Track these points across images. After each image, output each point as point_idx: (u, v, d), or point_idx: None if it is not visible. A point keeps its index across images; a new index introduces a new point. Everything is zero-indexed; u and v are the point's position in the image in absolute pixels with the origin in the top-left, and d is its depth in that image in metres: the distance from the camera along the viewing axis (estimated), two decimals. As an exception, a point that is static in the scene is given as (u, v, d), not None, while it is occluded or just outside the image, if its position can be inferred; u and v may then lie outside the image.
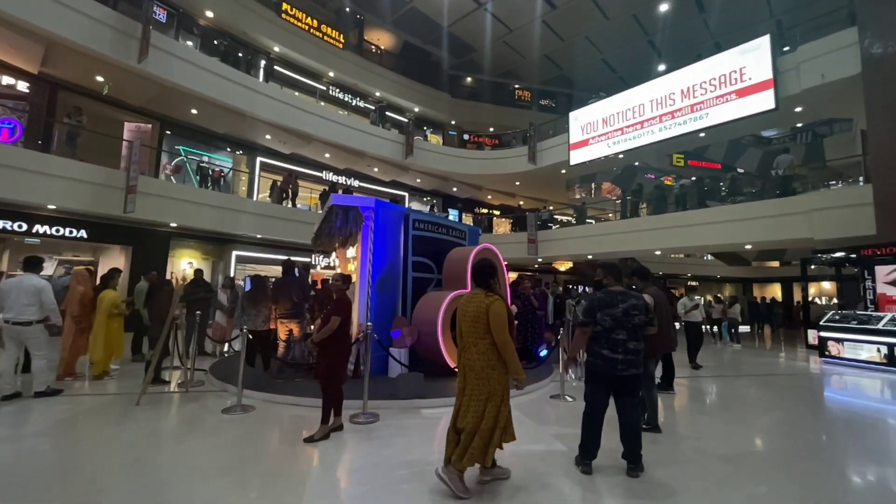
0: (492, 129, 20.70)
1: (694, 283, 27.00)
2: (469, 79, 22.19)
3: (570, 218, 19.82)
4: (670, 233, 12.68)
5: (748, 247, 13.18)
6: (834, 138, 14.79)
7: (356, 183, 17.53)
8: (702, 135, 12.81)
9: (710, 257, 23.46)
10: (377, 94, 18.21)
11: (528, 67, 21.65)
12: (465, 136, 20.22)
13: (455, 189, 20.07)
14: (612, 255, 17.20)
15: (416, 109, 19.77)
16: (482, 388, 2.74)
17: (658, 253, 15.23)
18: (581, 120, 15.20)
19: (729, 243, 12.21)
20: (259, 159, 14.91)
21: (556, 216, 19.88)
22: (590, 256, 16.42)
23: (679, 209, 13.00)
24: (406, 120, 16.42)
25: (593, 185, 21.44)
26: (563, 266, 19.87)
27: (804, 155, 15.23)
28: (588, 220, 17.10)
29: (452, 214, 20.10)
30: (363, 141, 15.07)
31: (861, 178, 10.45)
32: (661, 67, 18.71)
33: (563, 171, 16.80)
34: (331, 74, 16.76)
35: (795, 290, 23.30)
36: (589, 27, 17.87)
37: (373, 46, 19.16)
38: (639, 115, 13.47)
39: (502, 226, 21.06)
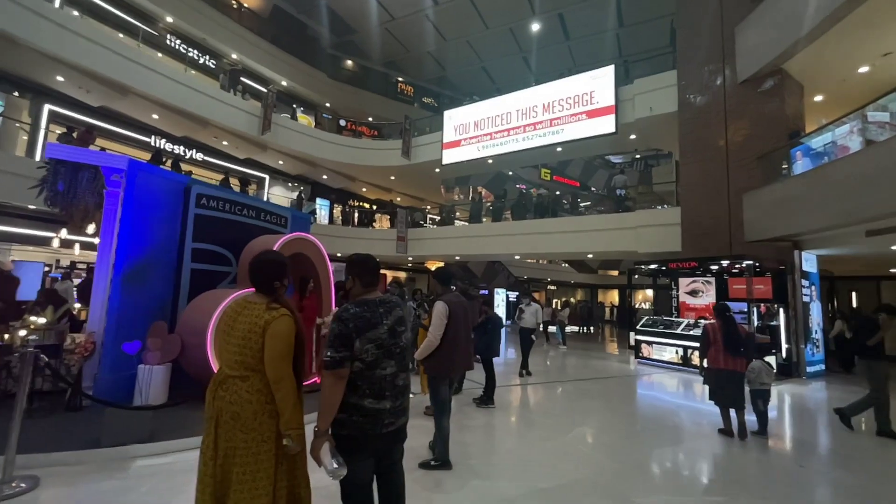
0: (371, 119, 19.60)
1: (552, 287, 29.73)
2: (350, 62, 20.74)
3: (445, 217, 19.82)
4: (529, 239, 13.27)
5: (590, 255, 14.51)
6: (660, 168, 17.38)
7: (199, 156, 14.73)
8: (559, 149, 13.70)
9: (566, 265, 25.98)
10: (233, 55, 15.66)
11: (413, 62, 21.15)
12: (342, 123, 18.73)
13: (325, 177, 18.43)
14: (478, 258, 17.62)
15: (285, 83, 17.64)
16: (255, 449, 1.80)
17: (517, 257, 15.95)
18: (455, 120, 15.11)
19: (576, 251, 13.24)
20: (48, 107, 11.34)
21: (433, 216, 19.71)
22: (457, 258, 16.48)
23: (537, 217, 13.70)
24: (266, 90, 14.33)
25: (471, 189, 21.95)
26: (435, 266, 19.79)
27: (637, 180, 17.59)
28: (463, 222, 17.19)
29: (323, 204, 18.41)
30: (207, 106, 12.59)
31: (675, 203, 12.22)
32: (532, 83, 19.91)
33: (438, 171, 16.58)
34: (169, 20, 13.78)
35: (636, 295, 27.21)
36: (470, 32, 18.04)
37: (233, 0, 16.45)
38: (506, 123, 13.84)
39: (384, 221, 20.08)
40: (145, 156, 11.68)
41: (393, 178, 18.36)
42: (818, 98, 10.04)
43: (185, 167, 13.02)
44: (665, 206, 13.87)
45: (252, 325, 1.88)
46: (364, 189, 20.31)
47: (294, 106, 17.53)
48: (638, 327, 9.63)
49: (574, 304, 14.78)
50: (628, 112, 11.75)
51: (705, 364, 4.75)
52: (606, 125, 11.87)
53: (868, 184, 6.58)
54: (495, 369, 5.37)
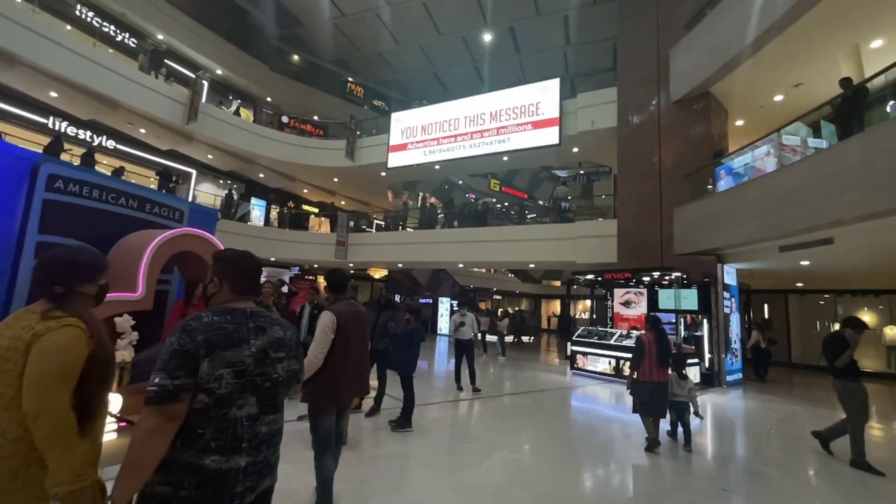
0: (317, 118, 18.69)
1: (498, 297, 29.97)
2: (296, 57, 19.75)
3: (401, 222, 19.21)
4: (473, 247, 13.07)
5: (532, 265, 14.60)
6: (601, 183, 18.03)
7: (111, 143, 13.13)
8: (505, 158, 13.71)
9: (511, 275, 26.26)
10: (159, 36, 14.23)
11: (364, 62, 20.56)
12: (285, 119, 17.68)
13: (262, 176, 17.23)
14: (423, 266, 17.22)
15: (220, 72, 16.36)
16: None
17: (461, 265, 15.73)
18: (402, 123, 14.72)
19: (519, 261, 13.23)
20: None
21: (379, 222, 19.03)
22: (400, 265, 15.96)
23: (481, 226, 13.56)
24: (195, 76, 13.11)
25: (420, 195, 21.58)
26: (378, 273, 19.10)
27: (580, 193, 18.14)
28: (410, 229, 16.71)
29: (258, 205, 17.16)
30: (121, 87, 11.20)
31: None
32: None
33: (384, 174, 16.04)
34: (79, -12, 12.23)
35: (577, 305, 28.01)
36: (423, 36, 17.82)
37: (162, -24, 15.02)
38: (454, 129, 13.66)
39: (323, 225, 19.09)
40: (43, 140, 10.14)
41: (336, 179, 17.55)
42: (739, 122, 10.77)
43: (112, 164, 11.49)
44: (603, 219, 14.35)
45: (13, 339, 1.31)
46: (305, 190, 19.27)
47: (231, 98, 16.29)
48: (574, 338, 9.65)
49: (511, 313, 14.66)
50: (571, 125, 11.98)
51: (635, 376, 4.64)
52: (551, 136, 12.01)
53: (781, 202, 6.98)
54: (417, 387, 4.92)
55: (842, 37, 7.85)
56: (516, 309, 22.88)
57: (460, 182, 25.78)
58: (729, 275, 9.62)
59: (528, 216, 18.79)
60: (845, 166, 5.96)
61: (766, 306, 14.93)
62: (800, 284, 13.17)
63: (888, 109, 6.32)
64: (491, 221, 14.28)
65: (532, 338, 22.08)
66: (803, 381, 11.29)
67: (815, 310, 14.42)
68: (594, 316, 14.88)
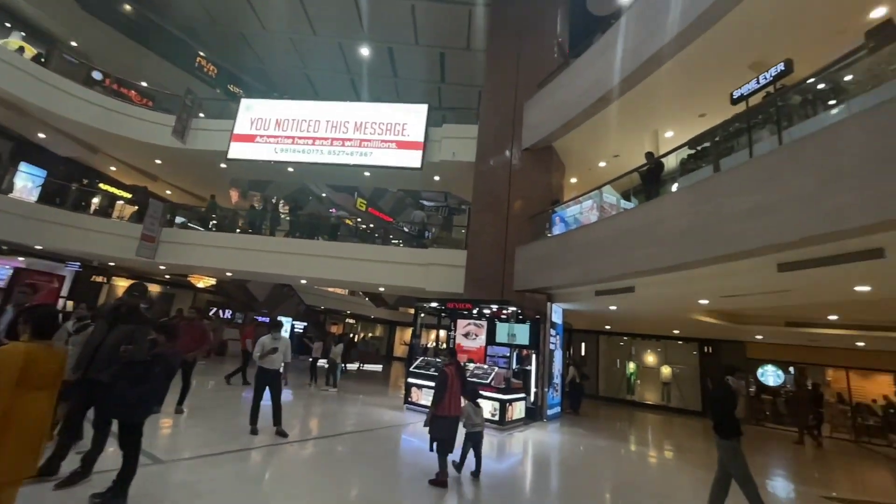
0: (145, 84, 15.19)
1: (351, 321, 28.33)
2: (128, 7, 16.01)
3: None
4: (320, 262, 11.72)
5: (382, 289, 13.87)
6: (460, 216, 18.68)
7: None
8: (367, 174, 12.98)
9: (367, 299, 25.10)
10: None
11: (223, 40, 17.85)
12: (97, 76, 13.84)
13: (44, 136, 12.97)
14: (260, 278, 14.93)
15: (-6, -12, 12.05)
16: None
17: (304, 282, 14.08)
18: (254, 112, 12.85)
19: (369, 282, 12.33)
20: None
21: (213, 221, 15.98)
22: (229, 274, 13.48)
23: (331, 240, 12.36)
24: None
25: (275, 199, 19.16)
26: (203, 282, 15.92)
27: (442, 224, 18.46)
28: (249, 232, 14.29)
29: (34, 174, 12.69)
30: None
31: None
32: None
33: (224, 166, 13.63)
34: None
35: (430, 335, 28.01)
36: (296, 31, 16.35)
37: None
38: (314, 131, 12.43)
39: (126, 210, 15.10)
40: None
41: (159, 161, 14.28)
42: (574, 180, 12.21)
43: None
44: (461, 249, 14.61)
45: None
46: (113, 168, 15.24)
47: (7, 24, 12.06)
48: (411, 369, 9.07)
49: (344, 337, 13.45)
50: (435, 152, 11.98)
51: (436, 412, 4.31)
52: (413, 159, 11.77)
53: (599, 251, 7.72)
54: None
55: (646, 124, 9.50)
56: (351, 334, 21.54)
57: (324, 195, 24.09)
58: (556, 313, 10.41)
59: (393, 241, 18.23)
60: (646, 225, 6.84)
61: (583, 344, 17.02)
62: (608, 327, 15.33)
63: (675, 186, 7.63)
64: (344, 238, 13.19)
65: (381, 366, 21.13)
66: (608, 414, 12.83)
67: (618, 349, 16.99)
68: (443, 346, 14.78)
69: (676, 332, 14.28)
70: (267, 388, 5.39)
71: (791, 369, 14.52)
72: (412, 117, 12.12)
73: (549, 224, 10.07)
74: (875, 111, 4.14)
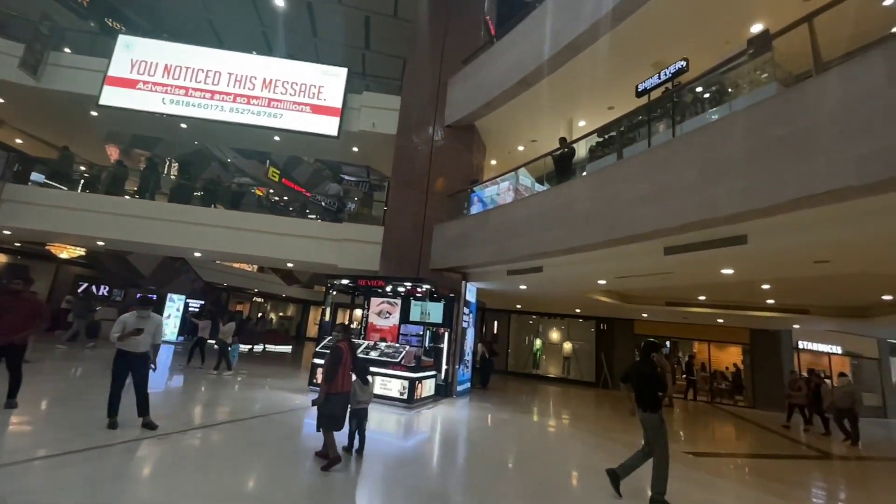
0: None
1: (259, 299, 26.36)
2: None
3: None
4: (219, 233, 10.45)
5: (290, 265, 12.97)
6: (382, 192, 18.08)
7: None
8: (277, 138, 11.83)
9: (278, 277, 23.44)
10: None
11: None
12: None
13: None
14: (142, 249, 13.01)
15: None
16: None
17: (198, 255, 12.58)
18: (135, 52, 10.87)
19: (276, 257, 11.36)
20: None
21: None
22: (101, 243, 11.51)
23: (234, 209, 11.12)
24: None
25: (169, 161, 16.69)
26: (68, 252, 13.41)
27: (361, 200, 17.70)
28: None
29: None
30: None
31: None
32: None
33: (95, 114, 11.42)
34: None
35: (346, 314, 27.08)
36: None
37: None
38: (213, 83, 10.91)
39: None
40: None
41: (2, 101, 11.52)
42: (494, 162, 12.38)
43: None
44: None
45: None
46: (-66, 104, 11.97)
47: None
48: (317, 349, 8.58)
49: (236, 315, 12.28)
50: (354, 121, 11.27)
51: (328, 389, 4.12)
52: (330, 126, 10.96)
53: (512, 232, 7.89)
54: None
55: (562, 111, 9.84)
56: (238, 311, 20.02)
57: (229, 160, 21.71)
58: (471, 292, 10.58)
59: (311, 216, 17.05)
60: (555, 208, 7.11)
61: (496, 323, 17.76)
62: (519, 306, 16.15)
63: (585, 171, 8.03)
64: (249, 208, 11.96)
65: (290, 347, 19.96)
66: (515, 387, 13.57)
67: (527, 327, 18.04)
68: (356, 326, 14.30)
69: (578, 310, 15.51)
70: (128, 373, 4.60)
71: (668, 343, 16.70)
72: (330, 80, 11.22)
73: (467, 203, 10.10)
74: (744, 113, 4.62)
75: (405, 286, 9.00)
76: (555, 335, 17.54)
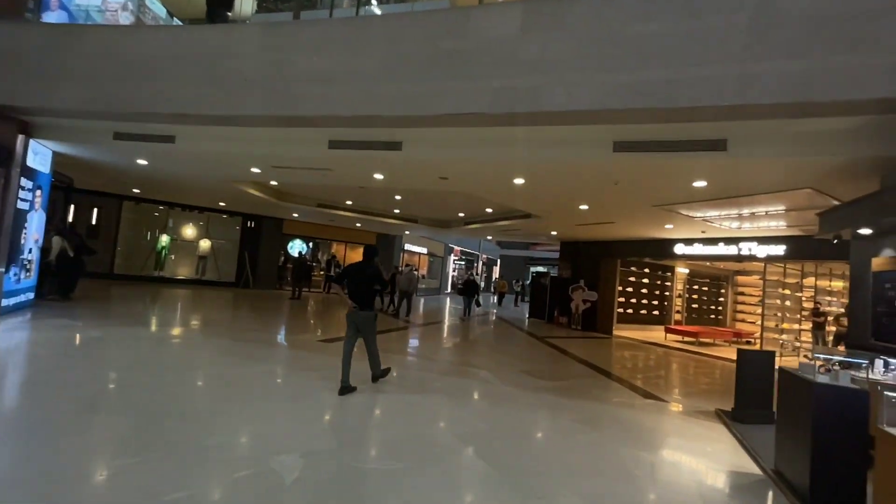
0: None
1: None
2: None
3: None
4: None
5: None
6: None
7: None
8: None
9: None
10: None
11: None
12: None
13: None
14: None
15: None
16: None
17: None
18: None
19: None
20: None
21: None
22: None
23: None
24: None
25: None
26: None
27: None
28: None
29: None
30: None
31: None
32: None
33: None
34: None
35: None
36: None
37: None
38: None
39: None
40: None
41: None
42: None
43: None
44: None
45: None
46: None
47: None
48: None
49: None
50: None
51: None
52: None
53: (128, 70, 5.26)
54: None
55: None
56: None
57: None
58: (39, 156, 6.69)
59: None
60: (204, 55, 5.17)
61: (95, 210, 12.77)
62: (137, 191, 12.17)
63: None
64: None
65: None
66: (122, 294, 10.38)
67: (151, 220, 14.12)
68: None
69: (223, 204, 13.48)
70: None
71: (310, 244, 17.70)
72: None
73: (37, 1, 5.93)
74: (423, 16, 4.65)
75: None
76: (189, 231, 14.73)
